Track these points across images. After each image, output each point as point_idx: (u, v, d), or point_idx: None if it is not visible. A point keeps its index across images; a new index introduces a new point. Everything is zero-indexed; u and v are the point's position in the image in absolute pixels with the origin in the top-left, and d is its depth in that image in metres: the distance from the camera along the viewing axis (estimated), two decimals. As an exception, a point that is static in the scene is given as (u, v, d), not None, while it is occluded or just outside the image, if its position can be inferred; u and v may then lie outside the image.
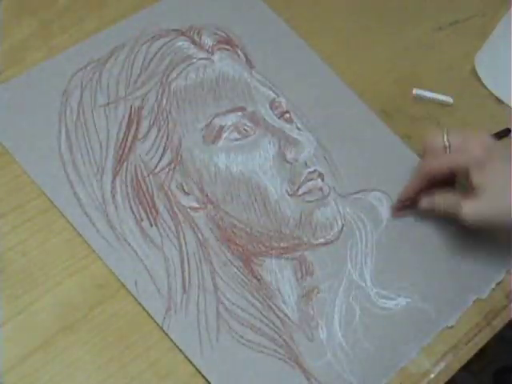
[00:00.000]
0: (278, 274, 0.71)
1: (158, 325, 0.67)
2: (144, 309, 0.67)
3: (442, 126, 0.85)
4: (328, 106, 0.83)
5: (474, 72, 0.89)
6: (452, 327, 0.72)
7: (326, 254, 0.73)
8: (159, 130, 0.76)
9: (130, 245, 0.70)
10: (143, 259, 0.69)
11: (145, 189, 0.73)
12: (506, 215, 0.67)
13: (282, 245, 0.73)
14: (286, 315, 0.69)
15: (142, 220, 0.71)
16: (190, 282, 0.69)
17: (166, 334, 0.66)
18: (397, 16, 0.92)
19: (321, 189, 0.76)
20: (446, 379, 0.70)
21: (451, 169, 0.71)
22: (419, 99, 0.86)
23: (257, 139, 0.76)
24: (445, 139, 0.71)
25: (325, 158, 0.79)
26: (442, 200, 0.73)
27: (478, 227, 0.70)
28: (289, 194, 0.75)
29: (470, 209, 0.69)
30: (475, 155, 0.68)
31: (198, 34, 0.84)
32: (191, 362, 0.66)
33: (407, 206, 0.76)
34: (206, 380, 0.65)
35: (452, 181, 0.73)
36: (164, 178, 0.74)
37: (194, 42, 0.83)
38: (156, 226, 0.71)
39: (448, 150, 0.71)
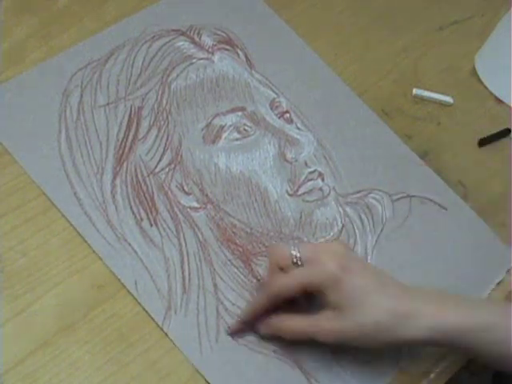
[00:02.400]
0: (278, 274, 0.71)
1: (157, 325, 0.67)
2: (144, 309, 0.67)
3: (442, 126, 0.85)
4: (328, 106, 0.83)
5: (473, 72, 0.89)
6: (452, 327, 0.72)
7: (325, 254, 0.73)
8: (159, 130, 0.76)
9: (130, 245, 0.70)
10: (143, 259, 0.69)
11: (145, 189, 0.73)
12: (368, 332, 0.61)
13: (281, 245, 0.73)
14: (285, 315, 0.69)
15: (141, 220, 0.71)
16: (189, 282, 0.69)
17: (166, 334, 0.66)
18: (397, 16, 0.92)
19: (321, 189, 0.76)
20: (446, 379, 0.70)
21: (303, 285, 0.62)
22: (419, 99, 0.86)
23: (257, 139, 0.77)
24: (294, 252, 0.63)
25: (325, 158, 0.79)
26: (292, 323, 0.64)
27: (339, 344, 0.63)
28: (289, 194, 0.75)
29: (330, 329, 0.62)
30: (329, 270, 0.61)
31: (198, 33, 0.84)
32: (191, 362, 0.66)
33: (247, 327, 0.67)
34: (206, 380, 0.65)
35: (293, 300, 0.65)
36: (164, 178, 0.74)
37: (194, 42, 0.83)
38: (156, 225, 0.71)
39: (298, 264, 0.63)
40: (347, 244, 0.70)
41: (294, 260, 0.63)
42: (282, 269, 0.64)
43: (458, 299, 0.64)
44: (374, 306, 0.61)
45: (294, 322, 0.65)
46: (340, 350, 0.68)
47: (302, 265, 0.63)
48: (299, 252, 0.63)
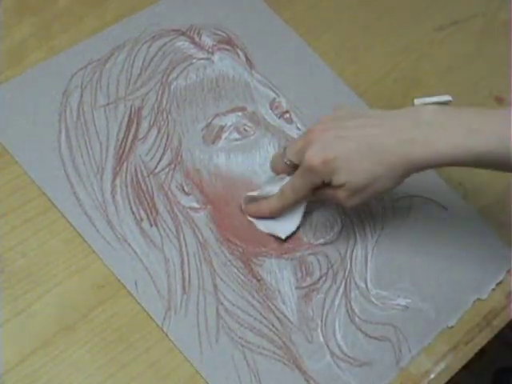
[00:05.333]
0: (278, 274, 0.71)
1: (157, 325, 0.67)
2: (144, 309, 0.67)
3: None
4: (328, 106, 0.82)
5: (473, 72, 0.89)
6: (452, 327, 0.72)
7: (325, 255, 0.73)
8: (159, 131, 0.76)
9: (130, 245, 0.70)
10: (143, 259, 0.69)
11: (145, 189, 0.73)
12: (377, 185, 0.66)
13: (281, 245, 0.73)
14: (285, 316, 0.69)
15: (142, 220, 0.71)
16: (189, 283, 0.69)
17: (166, 335, 0.67)
18: (397, 16, 0.92)
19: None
20: (446, 379, 0.70)
21: (310, 191, 0.69)
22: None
23: (257, 139, 0.77)
24: (285, 160, 0.69)
25: (325, 158, 0.79)
26: (324, 195, 0.70)
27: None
28: (289, 194, 0.75)
29: (349, 200, 0.67)
30: (319, 170, 0.65)
31: (198, 33, 0.84)
32: (191, 363, 0.66)
33: None
34: (206, 380, 0.65)
35: None
36: (164, 179, 0.74)
37: (194, 42, 0.83)
38: (156, 226, 0.71)
39: (290, 164, 0.69)
40: (325, 120, 0.69)
41: (289, 166, 0.70)
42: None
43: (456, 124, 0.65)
44: (374, 179, 0.65)
45: (317, 194, 0.70)
46: (339, 352, 0.68)
47: (295, 167, 0.69)
48: (288, 159, 0.69)
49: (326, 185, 0.67)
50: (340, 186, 0.66)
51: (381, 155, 0.64)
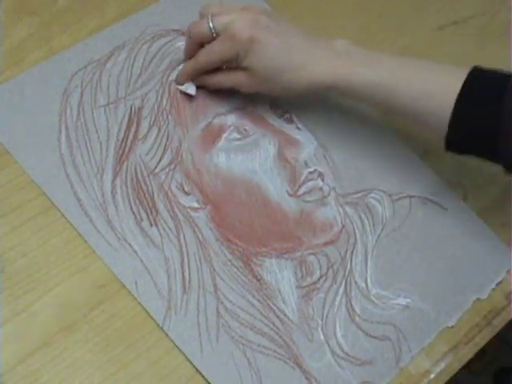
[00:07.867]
0: (278, 274, 0.71)
1: (158, 325, 0.67)
2: (144, 309, 0.67)
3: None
4: (328, 105, 0.83)
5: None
6: (452, 327, 0.72)
7: (326, 254, 0.73)
8: (159, 130, 0.76)
9: (130, 245, 0.70)
10: (143, 259, 0.69)
11: (145, 189, 0.73)
12: (275, 87, 0.74)
13: (282, 245, 0.73)
14: (285, 315, 0.69)
15: (142, 220, 0.71)
16: (190, 283, 0.69)
17: (166, 334, 0.67)
18: (397, 16, 0.92)
19: (321, 189, 0.76)
20: (446, 379, 0.70)
21: (221, 59, 0.73)
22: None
23: (257, 139, 0.77)
24: (210, 25, 0.73)
25: (325, 158, 0.79)
26: (216, 76, 0.76)
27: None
28: (289, 194, 0.75)
29: (245, 82, 0.74)
30: (240, 42, 0.71)
31: (198, 33, 0.84)
32: (191, 362, 0.66)
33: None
34: (206, 380, 0.65)
35: None
36: (164, 178, 0.74)
37: (194, 42, 0.83)
38: (156, 226, 0.71)
39: (214, 35, 0.73)
40: (262, 9, 0.75)
41: (213, 30, 0.73)
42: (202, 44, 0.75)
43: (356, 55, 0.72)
44: (279, 79, 0.72)
45: (218, 75, 0.76)
46: (339, 350, 0.68)
47: (217, 35, 0.73)
48: (214, 25, 0.73)
49: (232, 67, 0.74)
50: (246, 69, 0.73)
51: (292, 63, 0.71)
